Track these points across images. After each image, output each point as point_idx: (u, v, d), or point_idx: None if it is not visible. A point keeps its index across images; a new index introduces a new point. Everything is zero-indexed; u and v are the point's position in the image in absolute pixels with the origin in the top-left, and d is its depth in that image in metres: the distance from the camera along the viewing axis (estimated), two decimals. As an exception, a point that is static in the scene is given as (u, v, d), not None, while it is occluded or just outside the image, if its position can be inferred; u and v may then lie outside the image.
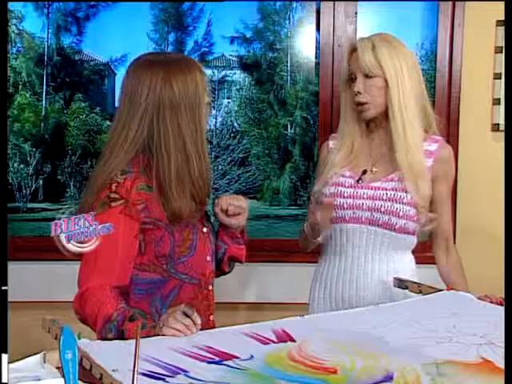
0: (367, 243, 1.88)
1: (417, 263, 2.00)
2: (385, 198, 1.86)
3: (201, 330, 1.43)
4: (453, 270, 1.96)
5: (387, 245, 1.88)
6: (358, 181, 1.90)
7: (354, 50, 1.87)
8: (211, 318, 1.73)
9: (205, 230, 1.71)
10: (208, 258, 1.71)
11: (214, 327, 1.64)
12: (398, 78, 1.82)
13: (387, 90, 1.83)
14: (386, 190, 1.86)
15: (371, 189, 1.88)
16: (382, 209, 1.85)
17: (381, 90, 1.84)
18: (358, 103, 1.86)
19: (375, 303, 1.81)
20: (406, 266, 1.93)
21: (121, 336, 1.44)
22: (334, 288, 1.94)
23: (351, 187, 1.90)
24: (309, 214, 1.89)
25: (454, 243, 2.06)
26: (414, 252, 1.98)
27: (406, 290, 1.89)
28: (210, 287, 1.73)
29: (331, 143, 2.00)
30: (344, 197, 1.89)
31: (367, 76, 1.83)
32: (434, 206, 1.92)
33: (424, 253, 2.05)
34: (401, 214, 1.84)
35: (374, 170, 1.91)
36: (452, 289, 1.82)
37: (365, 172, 1.90)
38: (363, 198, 1.87)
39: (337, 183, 1.91)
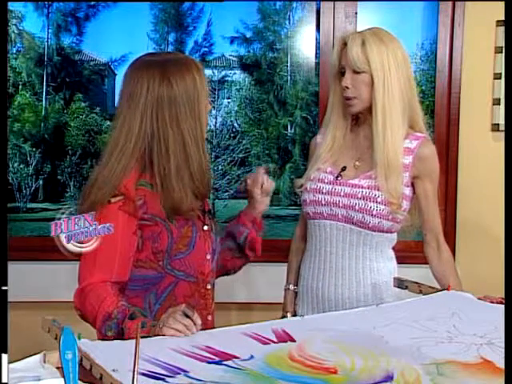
0: (343, 240, 1.88)
1: (414, 263, 1.99)
2: (359, 196, 1.85)
3: (198, 329, 1.43)
4: (446, 268, 1.93)
5: (362, 243, 1.88)
6: (336, 177, 1.90)
7: (344, 44, 1.86)
8: (209, 317, 1.72)
9: (205, 227, 1.72)
10: (208, 257, 1.71)
11: (212, 327, 1.63)
12: (384, 76, 1.82)
13: (373, 87, 1.83)
14: (362, 187, 1.86)
15: (348, 186, 1.88)
16: (357, 207, 1.85)
17: (367, 86, 1.83)
18: (346, 98, 1.87)
19: (352, 299, 1.85)
20: (383, 264, 1.91)
21: (121, 334, 1.44)
22: (310, 283, 1.96)
23: (330, 183, 1.91)
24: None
25: (454, 243, 2.06)
26: (395, 249, 1.96)
27: (394, 288, 1.90)
28: (209, 286, 1.72)
29: (319, 137, 2.01)
30: (322, 193, 1.90)
31: (355, 71, 1.83)
32: (419, 204, 1.91)
33: (421, 252, 2.03)
34: (374, 212, 1.84)
35: (357, 164, 1.91)
36: (452, 289, 1.82)
37: (344, 169, 1.91)
38: (340, 196, 1.88)
39: (317, 179, 1.93)
